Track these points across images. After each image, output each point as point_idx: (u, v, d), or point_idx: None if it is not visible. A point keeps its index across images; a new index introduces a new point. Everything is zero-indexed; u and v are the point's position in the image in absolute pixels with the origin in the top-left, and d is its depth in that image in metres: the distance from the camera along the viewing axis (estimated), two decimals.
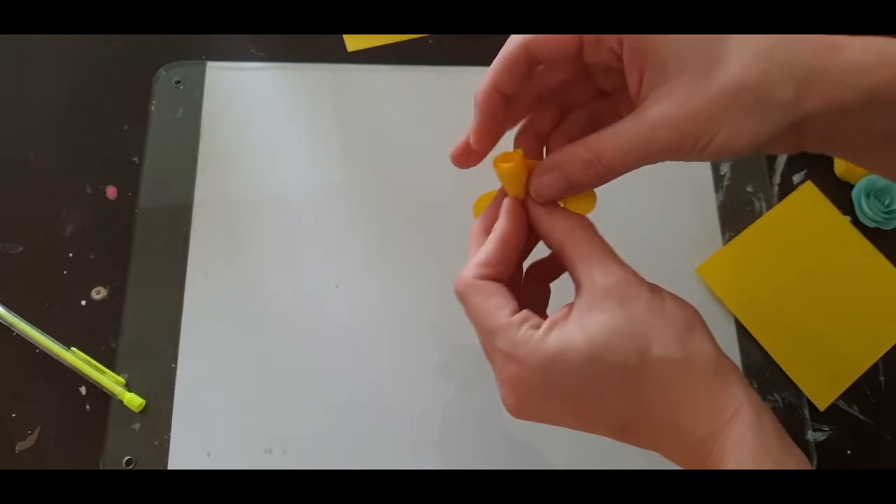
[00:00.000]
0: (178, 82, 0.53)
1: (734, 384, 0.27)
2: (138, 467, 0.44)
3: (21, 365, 0.46)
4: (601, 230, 0.31)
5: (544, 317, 0.31)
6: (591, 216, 0.31)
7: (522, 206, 0.31)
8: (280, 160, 0.52)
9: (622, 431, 0.29)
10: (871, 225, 0.52)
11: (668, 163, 0.30)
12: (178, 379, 0.45)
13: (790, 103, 0.26)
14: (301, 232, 0.50)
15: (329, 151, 0.52)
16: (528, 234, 0.32)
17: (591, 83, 0.32)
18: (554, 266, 0.34)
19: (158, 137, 0.52)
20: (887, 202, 0.52)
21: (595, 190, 0.32)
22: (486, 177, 0.33)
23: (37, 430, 0.44)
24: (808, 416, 0.48)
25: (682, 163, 0.29)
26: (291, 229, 0.50)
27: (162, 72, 0.53)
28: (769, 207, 0.53)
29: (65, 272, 0.48)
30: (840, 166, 0.53)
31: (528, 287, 0.34)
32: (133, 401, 0.44)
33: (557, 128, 0.33)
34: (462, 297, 0.30)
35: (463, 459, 0.45)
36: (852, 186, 0.53)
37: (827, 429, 0.47)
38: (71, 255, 0.48)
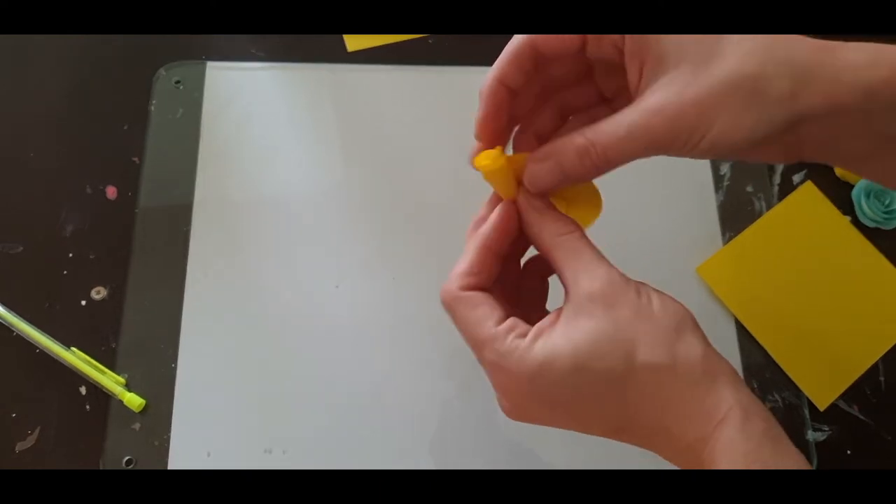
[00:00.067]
0: (178, 82, 0.53)
1: (724, 387, 0.27)
2: (138, 467, 0.44)
3: (21, 365, 0.46)
4: (602, 230, 0.30)
5: (544, 312, 0.31)
6: None
7: (511, 209, 0.31)
8: (280, 160, 0.52)
9: (616, 433, 0.29)
10: (871, 225, 0.52)
11: (668, 162, 0.30)
12: (178, 379, 0.45)
13: (787, 98, 0.26)
14: (301, 232, 0.50)
15: (329, 151, 0.52)
16: (519, 234, 0.31)
17: (593, 86, 0.32)
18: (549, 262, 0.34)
19: (158, 137, 0.52)
20: (887, 202, 0.52)
21: (598, 192, 0.32)
22: None
23: (37, 430, 0.44)
24: (808, 416, 0.48)
25: (682, 163, 0.29)
26: (291, 229, 0.50)
27: (162, 72, 0.53)
28: (769, 207, 0.53)
29: (65, 272, 0.48)
30: None
31: (527, 283, 0.34)
32: (133, 401, 0.44)
33: (557, 131, 0.33)
34: (448, 308, 0.30)
35: (463, 459, 0.45)
36: (852, 186, 0.53)
37: (827, 429, 0.47)
38: (71, 255, 0.48)
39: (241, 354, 0.46)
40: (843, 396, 0.48)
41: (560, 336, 0.27)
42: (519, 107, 0.32)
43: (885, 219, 0.52)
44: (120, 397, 0.44)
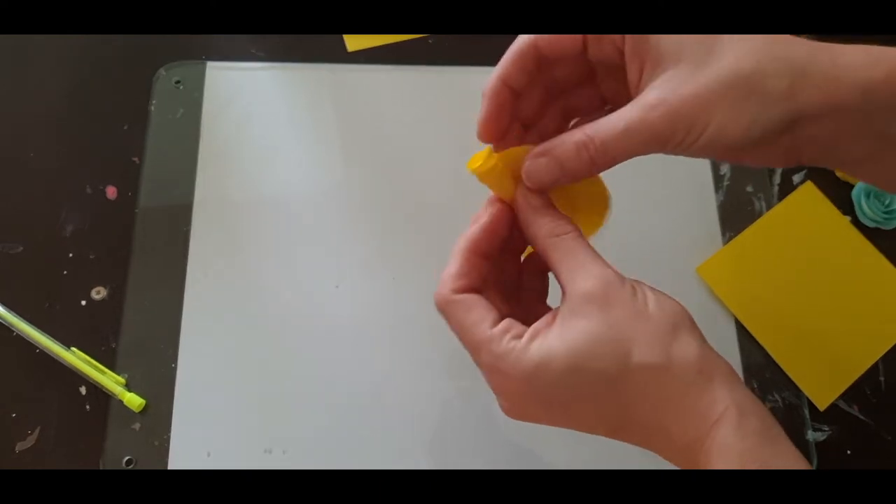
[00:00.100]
0: (178, 82, 0.53)
1: (720, 386, 0.27)
2: (138, 467, 0.44)
3: (21, 365, 0.46)
4: (602, 230, 0.30)
5: (545, 308, 0.31)
6: None
7: (498, 210, 0.31)
8: (280, 160, 0.52)
9: (614, 432, 0.29)
10: (871, 225, 0.52)
11: (668, 162, 0.30)
12: (178, 379, 0.45)
13: (784, 95, 0.26)
14: (301, 232, 0.50)
15: (329, 151, 0.52)
16: (518, 231, 0.32)
17: (595, 89, 0.33)
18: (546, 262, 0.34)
19: (158, 137, 0.52)
20: (887, 202, 0.52)
21: (607, 201, 0.32)
22: None
23: (37, 430, 0.44)
24: (808, 416, 0.48)
25: (682, 163, 0.29)
26: (291, 229, 0.50)
27: (162, 72, 0.53)
28: (769, 207, 0.53)
29: (65, 272, 0.48)
30: None
31: (527, 280, 0.34)
32: (133, 401, 0.44)
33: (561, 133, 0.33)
34: (442, 313, 0.31)
35: (463, 459, 0.45)
36: (852, 186, 0.53)
37: (827, 429, 0.47)
38: (71, 255, 0.48)
39: (241, 354, 0.46)
40: (843, 396, 0.48)
41: (556, 337, 0.28)
42: (523, 109, 0.32)
43: (885, 219, 0.52)
44: (120, 397, 0.44)
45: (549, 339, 0.28)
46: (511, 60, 0.30)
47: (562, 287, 0.29)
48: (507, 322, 0.29)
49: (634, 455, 0.32)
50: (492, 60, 0.30)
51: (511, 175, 0.31)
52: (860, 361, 0.49)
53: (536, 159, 0.30)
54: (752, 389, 0.45)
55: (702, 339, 0.28)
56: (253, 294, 0.48)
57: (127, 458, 0.44)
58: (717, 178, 0.53)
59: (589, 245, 0.30)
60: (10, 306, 0.46)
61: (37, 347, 0.45)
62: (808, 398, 0.48)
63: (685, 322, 0.28)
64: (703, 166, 0.54)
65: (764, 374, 0.48)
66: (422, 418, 0.46)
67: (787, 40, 0.27)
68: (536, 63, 0.30)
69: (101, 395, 0.45)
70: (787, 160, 0.29)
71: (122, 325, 0.46)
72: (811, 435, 0.47)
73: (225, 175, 0.51)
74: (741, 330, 0.49)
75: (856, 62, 0.26)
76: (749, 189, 0.53)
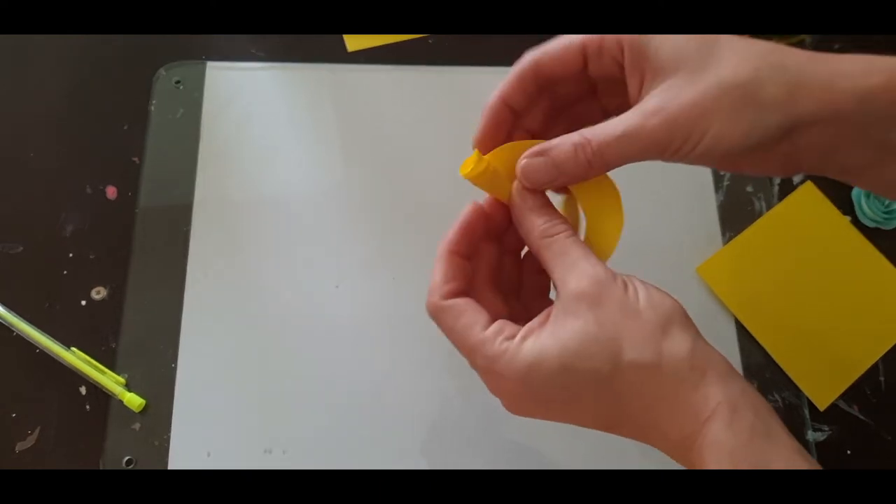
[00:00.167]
0: (178, 82, 0.53)
1: (712, 382, 0.27)
2: (138, 467, 0.44)
3: (21, 365, 0.46)
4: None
5: (547, 302, 0.32)
6: None
7: (474, 211, 0.32)
8: (280, 160, 0.52)
9: (611, 428, 0.29)
10: (871, 225, 0.52)
11: (668, 163, 0.30)
12: (178, 379, 0.45)
13: (781, 102, 0.27)
14: (301, 232, 0.50)
15: (329, 151, 0.52)
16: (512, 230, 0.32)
17: (597, 103, 0.33)
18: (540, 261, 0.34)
19: (158, 137, 0.52)
20: (887, 202, 0.52)
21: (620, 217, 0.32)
22: None
23: (37, 430, 0.44)
24: (808, 416, 0.48)
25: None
26: (291, 229, 0.50)
27: (162, 72, 0.53)
28: (769, 207, 0.53)
29: (65, 272, 0.48)
30: None
31: (528, 278, 0.34)
32: (133, 401, 0.44)
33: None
34: (434, 320, 0.31)
35: (463, 459, 0.45)
36: (852, 186, 0.53)
37: (827, 429, 0.47)
38: (71, 255, 0.48)
39: (241, 354, 0.46)
40: (843, 396, 0.48)
41: (548, 336, 0.28)
42: (530, 123, 0.33)
43: (885, 219, 0.52)
44: (120, 397, 0.44)
45: (542, 339, 0.28)
46: (511, 82, 0.31)
47: (555, 286, 0.29)
48: (499, 323, 0.29)
49: (635, 456, 0.32)
50: (492, 60, 0.31)
51: (506, 174, 0.31)
52: (860, 361, 0.49)
53: (533, 158, 0.30)
54: None
55: (695, 333, 0.28)
56: (253, 294, 0.48)
57: (127, 458, 0.44)
58: (717, 178, 0.53)
59: (582, 244, 0.30)
60: (10, 306, 0.46)
61: (37, 347, 0.45)
62: (808, 398, 0.48)
63: (677, 317, 0.28)
64: (702, 166, 0.54)
65: (764, 374, 0.48)
66: (422, 418, 0.46)
67: (783, 49, 0.28)
68: (536, 84, 0.31)
69: (101, 395, 0.45)
70: (786, 169, 0.29)
71: (122, 325, 0.46)
72: (811, 435, 0.47)
73: (225, 175, 0.51)
74: (741, 330, 0.49)
75: (853, 70, 0.27)
76: (749, 189, 0.53)
